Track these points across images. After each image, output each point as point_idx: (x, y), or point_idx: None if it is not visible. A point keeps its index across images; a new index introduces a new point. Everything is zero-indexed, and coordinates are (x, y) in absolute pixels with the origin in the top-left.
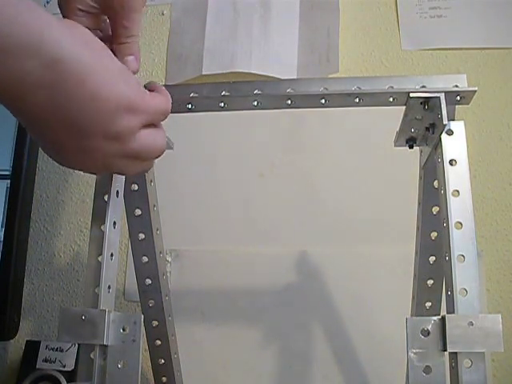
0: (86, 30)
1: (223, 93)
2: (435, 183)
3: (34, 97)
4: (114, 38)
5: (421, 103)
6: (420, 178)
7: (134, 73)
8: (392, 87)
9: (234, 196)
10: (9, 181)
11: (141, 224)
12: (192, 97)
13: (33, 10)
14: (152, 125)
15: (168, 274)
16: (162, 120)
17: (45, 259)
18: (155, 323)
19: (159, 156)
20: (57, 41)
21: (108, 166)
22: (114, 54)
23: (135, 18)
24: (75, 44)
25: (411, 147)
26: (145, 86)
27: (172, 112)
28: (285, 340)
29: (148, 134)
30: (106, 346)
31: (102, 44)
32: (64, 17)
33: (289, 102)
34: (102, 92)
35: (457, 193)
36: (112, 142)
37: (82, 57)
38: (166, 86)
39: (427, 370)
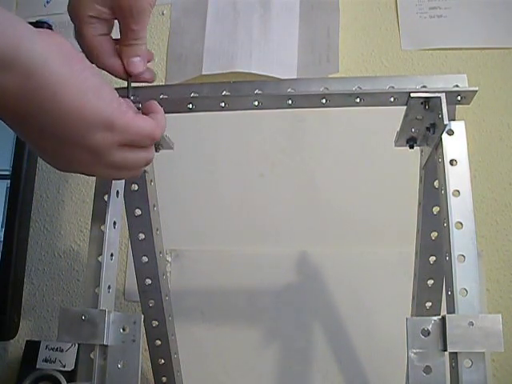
0: (66, 41)
1: (224, 93)
2: (435, 183)
3: (7, 105)
4: (120, 40)
5: (421, 103)
6: (420, 178)
7: (140, 74)
8: (392, 87)
9: (234, 196)
10: (9, 181)
11: (141, 224)
12: (192, 97)
13: (9, 21)
14: (135, 146)
15: (168, 274)
16: (149, 144)
17: (45, 259)
18: (155, 323)
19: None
20: (32, 53)
21: (92, 172)
22: (121, 56)
23: (144, 20)
24: (51, 56)
25: (412, 147)
26: (138, 102)
27: (172, 112)
28: (285, 340)
29: (128, 154)
30: (105, 346)
31: (82, 57)
32: (75, 25)
33: (289, 101)
34: (73, 106)
35: (457, 193)
36: (87, 153)
37: (56, 69)
38: (165, 86)
39: (427, 369)
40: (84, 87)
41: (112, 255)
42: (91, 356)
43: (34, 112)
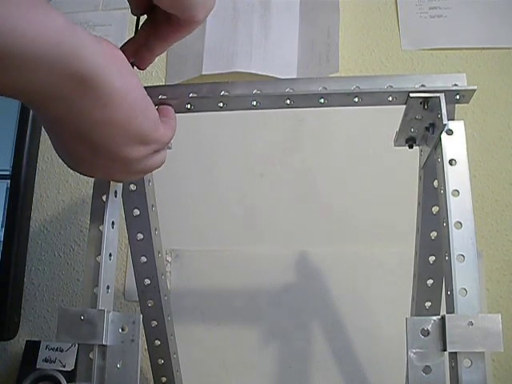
0: (122, 53)
1: (222, 93)
2: (435, 183)
3: (52, 105)
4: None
5: (420, 103)
6: (420, 177)
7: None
8: (391, 86)
9: (234, 196)
10: (9, 181)
11: (139, 224)
12: (191, 97)
13: (71, 29)
14: (156, 152)
15: (168, 274)
16: (163, 148)
17: (45, 259)
18: (154, 323)
19: None
20: (89, 60)
21: (113, 178)
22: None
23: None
24: (109, 68)
25: (411, 147)
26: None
27: None
28: (284, 340)
29: (153, 159)
30: (105, 346)
31: (133, 71)
32: None
33: (288, 101)
34: (120, 120)
35: (457, 192)
36: (118, 163)
37: (112, 82)
38: (164, 86)
39: (427, 369)
40: (137, 105)
41: (111, 255)
42: (90, 356)
43: (75, 114)
